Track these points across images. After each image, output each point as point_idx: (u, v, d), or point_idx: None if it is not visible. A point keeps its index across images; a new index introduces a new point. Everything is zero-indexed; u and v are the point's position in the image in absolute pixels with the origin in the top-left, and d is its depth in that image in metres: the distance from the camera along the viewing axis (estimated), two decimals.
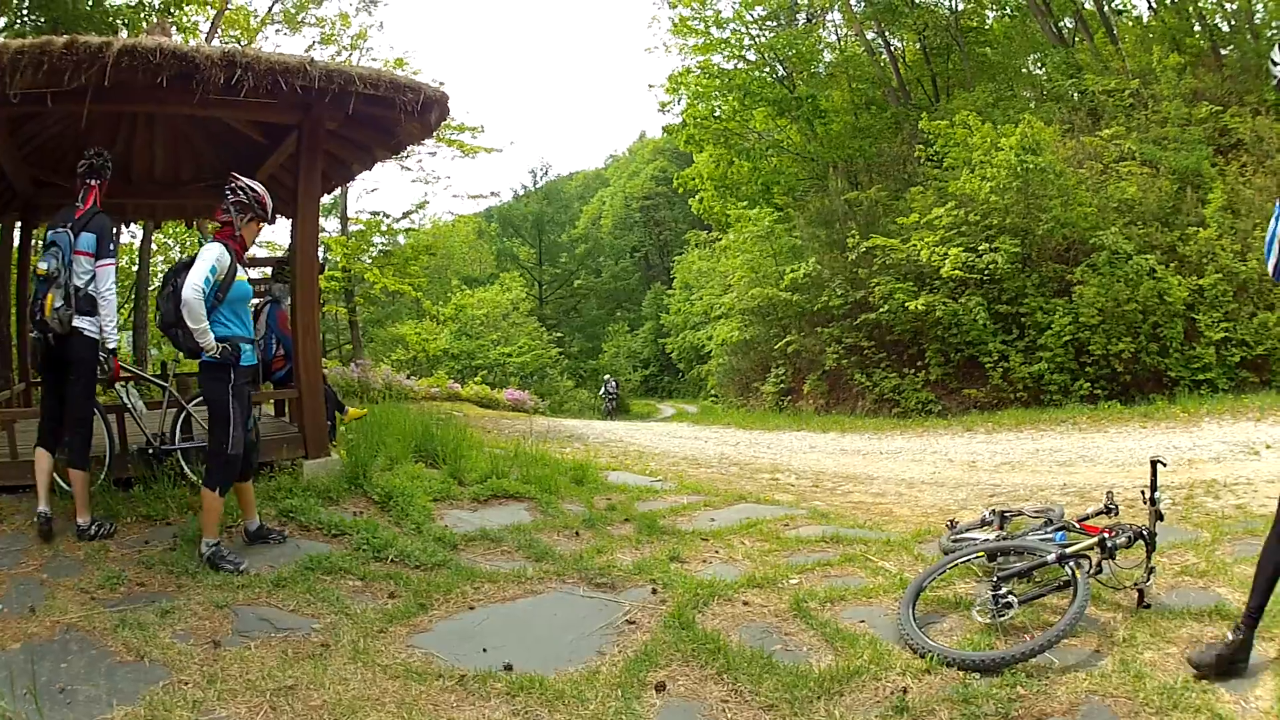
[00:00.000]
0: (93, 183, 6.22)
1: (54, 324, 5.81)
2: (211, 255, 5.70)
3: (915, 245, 19.86)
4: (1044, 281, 18.70)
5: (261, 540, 6.08)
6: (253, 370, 5.94)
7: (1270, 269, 3.73)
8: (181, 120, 9.21)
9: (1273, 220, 3.68)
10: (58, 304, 5.81)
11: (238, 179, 5.94)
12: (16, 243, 9.94)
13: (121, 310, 23.69)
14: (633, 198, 67.22)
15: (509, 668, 4.18)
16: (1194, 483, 8.07)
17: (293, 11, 26.72)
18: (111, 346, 6.16)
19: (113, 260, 6.22)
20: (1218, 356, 16.25)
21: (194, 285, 5.58)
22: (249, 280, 6.21)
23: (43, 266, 5.84)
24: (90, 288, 5.98)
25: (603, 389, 37.85)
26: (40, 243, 6.26)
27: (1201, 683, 3.74)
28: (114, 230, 6.31)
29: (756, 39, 29.77)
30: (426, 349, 36.41)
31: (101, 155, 6.31)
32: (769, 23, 30.64)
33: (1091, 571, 4.61)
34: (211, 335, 5.63)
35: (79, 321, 5.92)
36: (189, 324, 5.60)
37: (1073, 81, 23.98)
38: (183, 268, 5.91)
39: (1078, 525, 5.32)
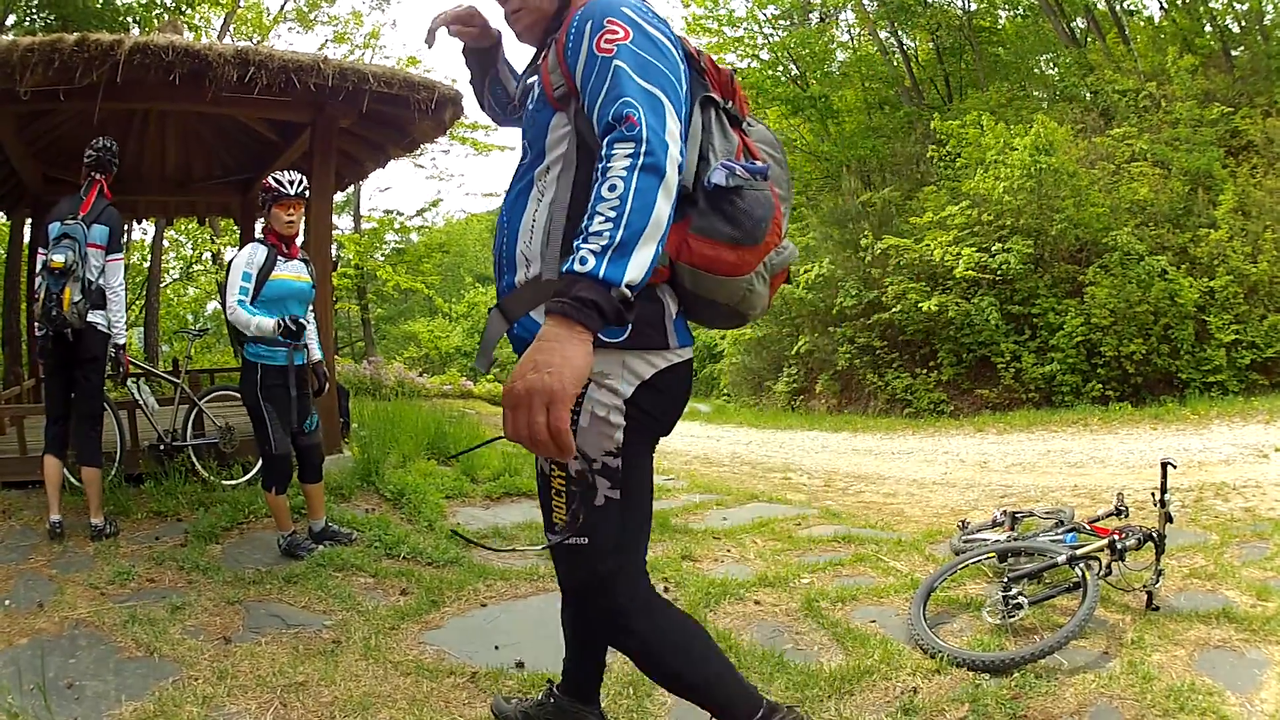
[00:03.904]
0: (98, 176, 6.13)
1: (72, 319, 5.71)
2: (239, 263, 5.65)
3: (928, 245, 19.82)
4: (1056, 282, 18.66)
5: (328, 540, 6.04)
6: (287, 372, 5.76)
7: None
8: (194, 118, 9.26)
9: None
10: (76, 298, 5.72)
11: (265, 181, 5.84)
12: (27, 239, 10.01)
13: (133, 307, 23.79)
14: None
15: (521, 665, 4.18)
16: (1203, 485, 8.05)
17: (305, 10, 26.81)
18: (121, 341, 6.14)
19: (122, 255, 6.18)
20: (1228, 359, 16.19)
21: (230, 306, 5.55)
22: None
23: (58, 259, 5.69)
24: (101, 281, 5.94)
25: None
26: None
27: (1207, 685, 3.73)
28: (123, 225, 6.26)
29: (769, 38, 29.77)
30: (439, 346, 36.54)
31: (109, 150, 6.21)
32: (781, 22, 30.61)
33: (1101, 573, 4.59)
34: (270, 322, 5.47)
35: (92, 316, 5.88)
36: (245, 334, 5.59)
37: (1090, 79, 23.91)
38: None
39: (1088, 527, 5.31)
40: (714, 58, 2.55)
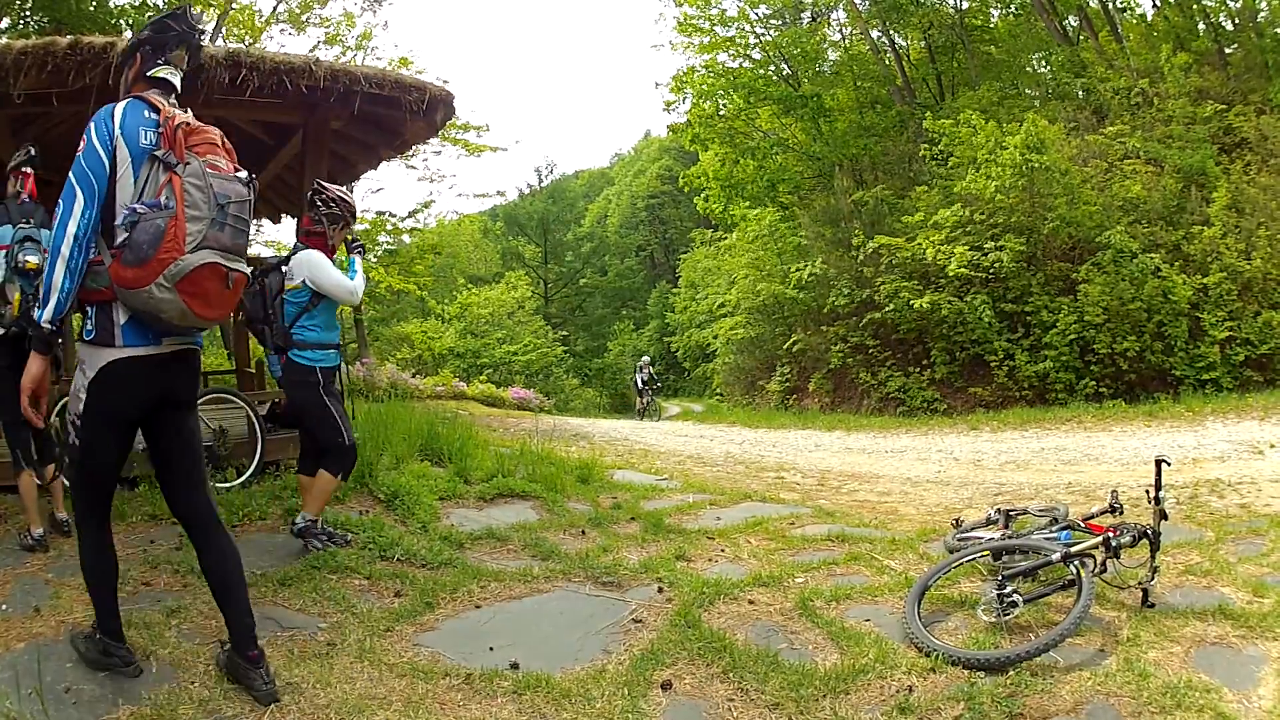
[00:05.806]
0: (28, 170, 5.94)
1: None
2: (321, 260, 5.81)
3: (921, 244, 19.82)
4: (1049, 280, 18.67)
5: (321, 541, 5.99)
6: (337, 371, 6.07)
7: None
8: None
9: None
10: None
11: (326, 189, 5.93)
12: None
13: None
14: (638, 196, 67.11)
15: (515, 666, 4.18)
16: (1198, 482, 8.05)
17: (297, 11, 26.72)
18: None
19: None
20: (1222, 355, 16.21)
21: (351, 285, 5.91)
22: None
23: (34, 260, 5.56)
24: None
25: (635, 375, 30.24)
26: None
27: (1204, 682, 3.74)
28: None
29: (761, 38, 29.74)
30: (432, 348, 36.51)
31: (34, 149, 6.01)
32: (773, 21, 30.62)
33: (1096, 570, 4.60)
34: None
35: None
36: (293, 339, 5.85)
37: (1082, 80, 23.94)
38: (271, 269, 5.96)
39: (1082, 524, 5.32)
40: (177, 115, 3.59)
